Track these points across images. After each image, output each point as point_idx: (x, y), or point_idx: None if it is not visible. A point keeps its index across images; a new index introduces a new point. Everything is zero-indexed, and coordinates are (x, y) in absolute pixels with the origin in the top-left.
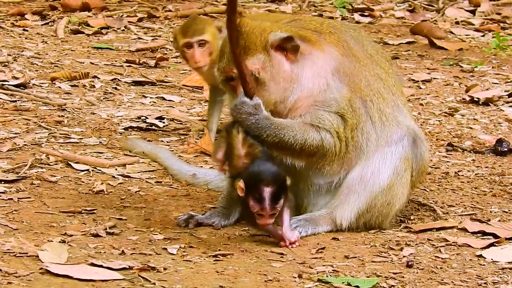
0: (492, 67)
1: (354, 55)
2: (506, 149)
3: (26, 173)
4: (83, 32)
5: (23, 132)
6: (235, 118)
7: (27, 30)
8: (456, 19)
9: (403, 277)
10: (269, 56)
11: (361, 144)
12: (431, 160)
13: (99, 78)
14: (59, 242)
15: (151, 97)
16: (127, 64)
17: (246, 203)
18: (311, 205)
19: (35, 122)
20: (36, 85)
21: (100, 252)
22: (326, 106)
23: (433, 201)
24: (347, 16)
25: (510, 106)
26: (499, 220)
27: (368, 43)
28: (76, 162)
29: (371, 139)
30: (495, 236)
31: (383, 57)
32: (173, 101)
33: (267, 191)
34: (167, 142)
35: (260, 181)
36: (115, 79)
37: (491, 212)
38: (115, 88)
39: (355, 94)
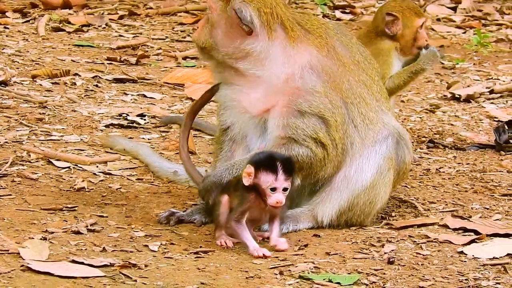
0: (474, 64)
1: (339, 60)
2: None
3: (7, 170)
4: (64, 30)
5: (4, 129)
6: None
7: (8, 28)
8: (437, 16)
9: (384, 273)
10: (226, 11)
11: (346, 146)
12: (414, 157)
13: (80, 76)
14: (40, 239)
15: (132, 95)
16: (108, 62)
17: (252, 188)
18: (293, 205)
19: (16, 120)
20: (17, 83)
21: (81, 249)
22: (302, 107)
23: (414, 198)
24: (328, 13)
25: (491, 103)
26: (480, 217)
27: (357, 50)
28: (57, 160)
29: (355, 143)
30: (476, 232)
31: (371, 64)
32: (154, 98)
33: (279, 163)
34: (148, 139)
35: (272, 155)
36: (96, 76)
37: (472, 208)
38: (96, 86)
39: (335, 92)
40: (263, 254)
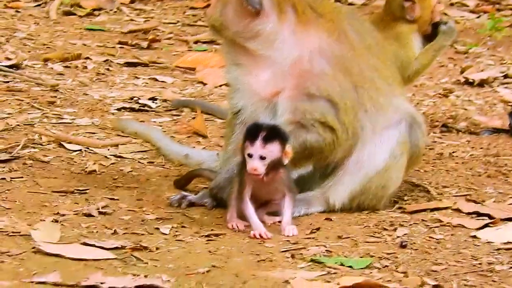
0: (487, 49)
1: (349, 44)
2: None
3: (19, 153)
4: (75, 14)
5: (16, 112)
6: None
7: (19, 12)
8: (450, 0)
9: (396, 257)
10: None
11: (357, 130)
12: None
13: (91, 59)
14: (52, 221)
15: (143, 78)
16: (120, 46)
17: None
18: (305, 189)
19: (28, 103)
20: (29, 66)
21: (93, 231)
22: (310, 90)
23: (427, 182)
24: None
25: (505, 88)
26: (494, 201)
27: (369, 34)
28: (68, 142)
29: (365, 127)
30: (490, 216)
31: (383, 48)
32: (165, 82)
33: (260, 129)
34: (160, 122)
35: (256, 123)
36: (107, 60)
37: (485, 192)
38: (108, 69)
39: (344, 76)
40: (259, 235)
